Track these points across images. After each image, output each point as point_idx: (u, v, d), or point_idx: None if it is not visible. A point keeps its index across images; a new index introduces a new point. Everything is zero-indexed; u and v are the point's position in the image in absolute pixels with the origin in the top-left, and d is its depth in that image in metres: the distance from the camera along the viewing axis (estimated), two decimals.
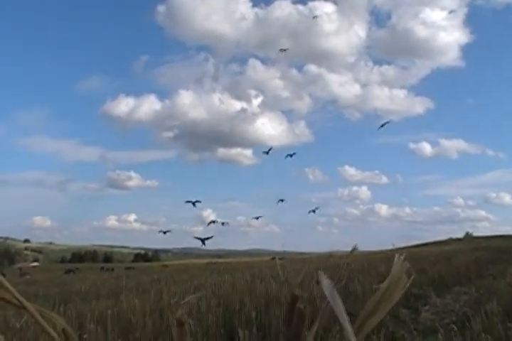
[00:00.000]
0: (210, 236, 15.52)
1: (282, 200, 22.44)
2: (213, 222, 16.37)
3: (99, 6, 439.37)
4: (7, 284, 1.04)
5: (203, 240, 15.74)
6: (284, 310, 1.07)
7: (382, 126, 17.79)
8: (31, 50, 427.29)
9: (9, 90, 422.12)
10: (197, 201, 15.60)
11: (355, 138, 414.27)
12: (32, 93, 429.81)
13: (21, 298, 1.04)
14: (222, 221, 16.65)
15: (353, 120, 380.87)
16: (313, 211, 19.09)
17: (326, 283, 0.98)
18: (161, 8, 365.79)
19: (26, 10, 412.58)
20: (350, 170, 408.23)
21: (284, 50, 23.61)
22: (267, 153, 18.62)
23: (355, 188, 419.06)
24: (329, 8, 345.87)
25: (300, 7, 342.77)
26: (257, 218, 21.08)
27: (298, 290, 1.03)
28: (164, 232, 16.27)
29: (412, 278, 1.02)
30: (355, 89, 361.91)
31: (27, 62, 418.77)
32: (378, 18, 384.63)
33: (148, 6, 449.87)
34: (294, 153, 21.09)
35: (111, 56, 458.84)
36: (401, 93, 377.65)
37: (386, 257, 23.31)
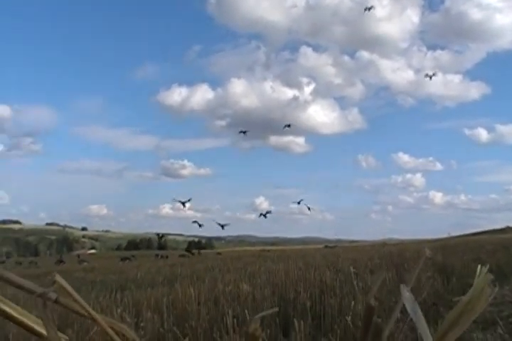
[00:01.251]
0: (228, 223, 15.88)
1: (289, 125, 22.49)
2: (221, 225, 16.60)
3: None
4: (77, 296, 1.02)
5: (222, 226, 15.99)
6: (362, 322, 0.98)
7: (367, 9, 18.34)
8: (88, 40, 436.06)
9: (66, 79, 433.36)
10: (187, 201, 15.67)
11: (409, 125, 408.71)
12: (88, 82, 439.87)
13: (91, 311, 1.02)
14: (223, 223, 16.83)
15: (407, 106, 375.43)
16: (298, 202, 18.93)
17: (407, 296, 0.92)
18: None
19: (87, 1, 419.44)
20: (403, 157, 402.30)
21: (244, 132, 23.74)
22: (265, 216, 18.42)
23: (408, 175, 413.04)
24: None
25: None
26: (299, 202, 20.84)
27: (374, 301, 0.94)
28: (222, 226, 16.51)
29: (496, 290, 0.95)
30: (409, 74, 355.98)
31: (83, 51, 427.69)
32: (431, 2, 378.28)
33: None
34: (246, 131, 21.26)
35: (164, 45, 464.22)
36: (456, 78, 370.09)
37: (441, 246, 22.89)
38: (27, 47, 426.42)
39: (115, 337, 1.00)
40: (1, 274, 1.04)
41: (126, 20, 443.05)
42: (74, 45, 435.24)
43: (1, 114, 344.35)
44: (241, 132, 22.25)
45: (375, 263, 13.53)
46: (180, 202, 14.81)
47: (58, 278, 1.01)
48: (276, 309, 2.82)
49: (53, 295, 1.03)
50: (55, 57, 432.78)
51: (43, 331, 1.03)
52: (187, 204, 14.90)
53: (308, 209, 18.95)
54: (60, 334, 1.04)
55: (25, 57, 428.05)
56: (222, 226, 15.83)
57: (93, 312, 1.02)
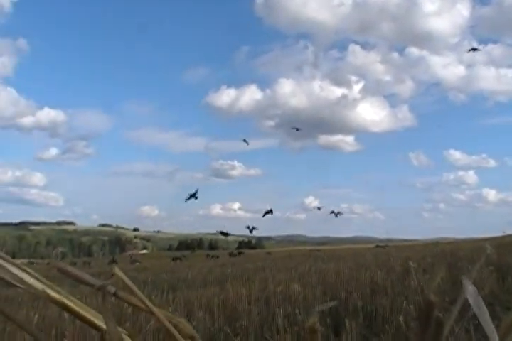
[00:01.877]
0: (256, 227, 15.73)
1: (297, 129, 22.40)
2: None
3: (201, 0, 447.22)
4: (136, 290, 1.03)
5: (251, 230, 15.88)
6: (418, 316, 0.95)
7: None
8: (139, 45, 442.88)
9: (118, 84, 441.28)
10: (195, 192, 15.43)
11: (461, 121, 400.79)
12: (140, 86, 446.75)
13: (150, 304, 1.04)
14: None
15: (458, 102, 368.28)
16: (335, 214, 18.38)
17: (470, 289, 0.89)
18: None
19: (136, 7, 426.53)
20: (455, 154, 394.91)
21: (297, 129, 23.39)
22: (252, 229, 18.04)
23: (461, 173, 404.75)
24: None
25: None
26: (336, 214, 19.44)
27: (434, 296, 0.91)
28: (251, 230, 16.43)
29: None
30: (460, 70, 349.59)
31: (135, 56, 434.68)
32: None
33: None
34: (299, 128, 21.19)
35: (213, 48, 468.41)
36: (509, 72, 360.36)
37: (496, 244, 22.36)
38: (80, 53, 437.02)
39: (173, 330, 1.02)
40: (61, 267, 1.07)
41: (175, 24, 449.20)
42: (126, 50, 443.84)
43: (55, 118, 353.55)
44: (294, 128, 22.15)
45: (427, 262, 13.31)
46: (190, 195, 14.79)
47: (117, 270, 1.03)
48: (335, 302, 2.79)
49: (112, 289, 1.05)
50: (108, 62, 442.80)
51: (103, 325, 1.06)
52: (197, 196, 14.84)
53: (336, 215, 18.46)
54: (118, 328, 1.06)
55: (79, 63, 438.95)
56: (251, 230, 15.76)
57: (152, 306, 1.04)
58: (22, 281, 1.03)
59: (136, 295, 1.04)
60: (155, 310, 1.04)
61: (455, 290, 7.34)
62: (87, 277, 1.07)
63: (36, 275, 1.06)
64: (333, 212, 18.01)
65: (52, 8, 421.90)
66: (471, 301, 0.90)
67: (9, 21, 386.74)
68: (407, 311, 6.70)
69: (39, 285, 1.04)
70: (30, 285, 1.03)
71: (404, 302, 7.12)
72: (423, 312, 0.96)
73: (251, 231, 15.92)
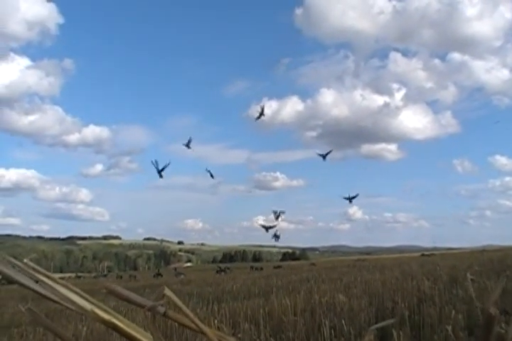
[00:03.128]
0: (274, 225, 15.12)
1: None
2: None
3: (240, 14, 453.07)
4: (187, 310, 1.04)
5: (275, 235, 15.50)
6: (479, 331, 0.91)
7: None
8: (179, 60, 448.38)
9: (160, 99, 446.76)
10: (354, 197, 14.92)
11: (506, 126, 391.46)
12: (181, 101, 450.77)
13: (200, 324, 1.04)
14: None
15: (503, 106, 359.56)
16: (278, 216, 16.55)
17: None
18: (298, 11, 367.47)
19: (176, 23, 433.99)
20: (501, 160, 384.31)
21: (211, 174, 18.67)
22: (188, 145, 17.11)
23: (507, 178, 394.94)
24: None
25: None
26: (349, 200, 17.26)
27: (494, 310, 0.88)
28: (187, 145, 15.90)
29: None
30: (503, 74, 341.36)
31: (176, 71, 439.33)
32: None
33: (287, 10, 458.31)
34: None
35: (254, 61, 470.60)
36: None
37: None
38: (122, 71, 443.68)
39: None
40: (112, 289, 1.09)
41: (215, 39, 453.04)
42: (166, 66, 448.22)
43: (100, 135, 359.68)
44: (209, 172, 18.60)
45: (474, 270, 13.04)
46: (184, 144, 14.60)
47: (167, 291, 1.05)
48: (393, 320, 2.72)
49: (162, 309, 1.06)
50: (149, 78, 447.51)
51: None
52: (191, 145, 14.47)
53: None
54: None
55: (121, 81, 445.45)
56: (276, 238, 15.46)
57: (202, 326, 1.04)
58: (71, 301, 1.05)
59: (186, 315, 1.05)
60: (206, 329, 1.04)
61: (505, 300, 7.17)
62: (137, 298, 1.09)
63: (84, 294, 1.08)
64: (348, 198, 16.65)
65: (96, 28, 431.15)
66: None
67: (56, 43, 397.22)
68: (455, 321, 6.57)
69: (87, 305, 1.06)
70: (78, 306, 1.05)
71: (453, 311, 6.98)
72: (483, 326, 0.93)
73: (276, 239, 15.62)
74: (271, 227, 15.19)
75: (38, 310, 1.24)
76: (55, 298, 1.06)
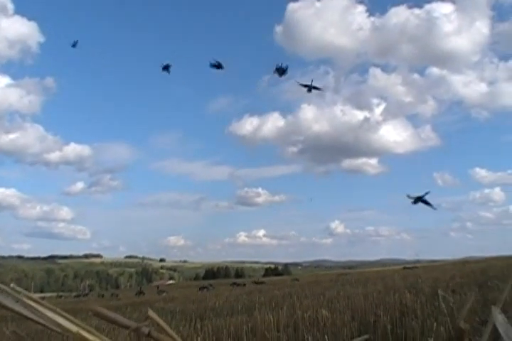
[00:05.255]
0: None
1: None
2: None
3: (221, 31, 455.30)
4: (170, 331, 1.08)
5: (310, 88, 15.21)
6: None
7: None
8: (161, 77, 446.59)
9: (141, 116, 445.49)
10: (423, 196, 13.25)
11: (485, 138, 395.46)
12: (163, 118, 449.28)
13: None
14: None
15: (481, 119, 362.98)
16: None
17: (499, 318, 0.91)
18: (278, 29, 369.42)
19: (156, 40, 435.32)
20: (481, 172, 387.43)
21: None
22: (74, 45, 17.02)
23: (487, 190, 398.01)
24: (447, 8, 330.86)
25: (417, 11, 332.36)
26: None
27: (464, 324, 0.94)
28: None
29: None
30: (481, 87, 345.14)
31: (157, 87, 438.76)
32: (501, 12, 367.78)
33: (267, 28, 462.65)
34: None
35: (235, 77, 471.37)
36: None
37: None
38: (104, 88, 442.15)
39: None
40: (97, 311, 1.12)
41: (196, 56, 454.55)
42: (147, 82, 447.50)
43: (81, 153, 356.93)
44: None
45: (456, 282, 13.15)
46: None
47: (151, 313, 1.08)
48: (366, 336, 2.76)
49: (146, 330, 1.10)
50: (131, 95, 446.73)
51: None
52: None
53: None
54: None
55: (102, 99, 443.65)
56: (310, 88, 15.06)
57: None
58: (56, 324, 1.08)
59: (170, 335, 1.09)
60: None
61: (486, 311, 7.24)
62: (122, 319, 1.13)
63: (69, 317, 1.10)
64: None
65: (76, 48, 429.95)
66: (501, 331, 0.92)
67: (37, 62, 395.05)
68: (437, 333, 6.63)
69: (73, 327, 1.09)
70: (64, 327, 1.08)
71: (435, 324, 7.03)
72: (454, 339, 0.98)
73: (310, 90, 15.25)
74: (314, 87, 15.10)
75: (21, 332, 1.26)
76: (40, 321, 1.08)
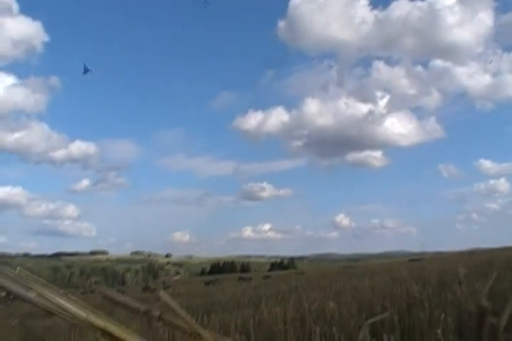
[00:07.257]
0: None
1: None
2: None
3: (224, 27, 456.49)
4: (182, 312, 1.04)
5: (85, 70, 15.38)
6: (472, 323, 0.94)
7: None
8: (165, 73, 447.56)
9: (147, 113, 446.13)
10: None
11: (489, 130, 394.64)
12: (168, 114, 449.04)
13: (197, 325, 1.04)
14: None
15: (486, 111, 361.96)
16: None
17: None
18: (281, 23, 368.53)
19: (160, 35, 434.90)
20: (486, 163, 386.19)
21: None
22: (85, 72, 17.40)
23: (492, 181, 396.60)
24: (450, 0, 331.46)
25: (419, 3, 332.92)
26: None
27: (485, 302, 0.91)
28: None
29: None
30: (486, 79, 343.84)
31: (161, 84, 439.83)
32: (505, 3, 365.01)
33: (270, 23, 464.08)
34: None
35: (239, 73, 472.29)
36: None
37: None
38: (108, 86, 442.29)
39: None
40: (107, 294, 1.09)
41: (200, 52, 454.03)
42: (152, 79, 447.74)
43: (86, 150, 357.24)
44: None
45: (464, 273, 13.10)
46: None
47: (163, 294, 1.04)
48: (387, 314, 2.72)
49: (156, 313, 1.06)
50: (135, 93, 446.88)
51: None
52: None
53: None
54: None
55: (107, 96, 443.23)
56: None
57: (199, 327, 1.03)
58: (64, 310, 1.05)
59: (182, 318, 1.05)
60: (202, 331, 1.04)
61: (494, 302, 7.21)
62: (131, 302, 1.09)
63: (79, 302, 1.07)
64: None
65: (81, 44, 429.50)
66: None
67: (42, 61, 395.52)
68: (445, 324, 6.60)
69: (82, 313, 1.05)
70: (72, 314, 1.04)
71: (442, 315, 7.01)
72: (476, 318, 0.95)
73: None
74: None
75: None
76: (49, 307, 1.06)
